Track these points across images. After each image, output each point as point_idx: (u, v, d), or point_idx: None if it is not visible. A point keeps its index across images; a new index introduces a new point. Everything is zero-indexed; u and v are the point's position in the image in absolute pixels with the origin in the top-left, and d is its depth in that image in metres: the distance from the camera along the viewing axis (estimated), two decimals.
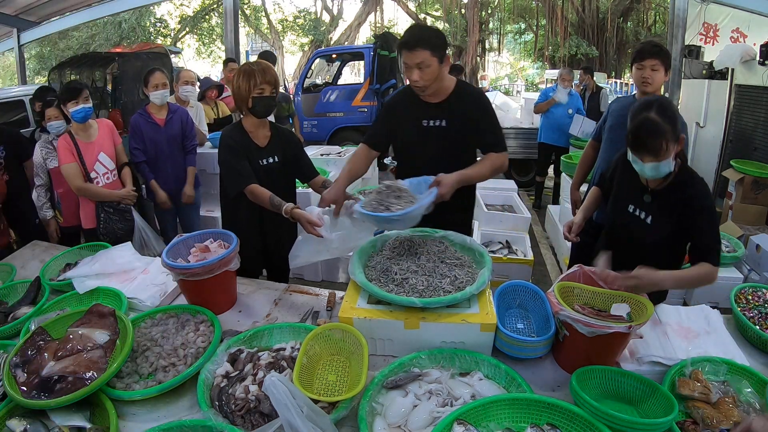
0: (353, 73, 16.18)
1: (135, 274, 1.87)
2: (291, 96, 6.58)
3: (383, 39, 7.11)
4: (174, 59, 9.11)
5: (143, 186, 3.06)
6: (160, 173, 3.00)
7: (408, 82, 1.89)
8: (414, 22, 18.51)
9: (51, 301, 1.69)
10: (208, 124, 3.92)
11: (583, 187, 2.66)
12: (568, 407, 1.11)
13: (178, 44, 17.97)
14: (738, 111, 4.66)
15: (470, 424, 1.08)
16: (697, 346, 1.41)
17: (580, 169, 2.70)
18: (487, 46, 19.41)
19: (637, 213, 1.67)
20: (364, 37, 19.23)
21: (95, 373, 1.21)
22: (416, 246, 1.70)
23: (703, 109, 5.06)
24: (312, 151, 4.23)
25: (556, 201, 5.27)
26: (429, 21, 19.51)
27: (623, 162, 1.72)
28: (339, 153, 4.31)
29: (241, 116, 2.05)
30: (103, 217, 2.65)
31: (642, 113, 1.44)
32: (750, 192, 3.70)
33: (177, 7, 18.02)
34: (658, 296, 1.65)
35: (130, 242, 2.13)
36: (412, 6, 18.94)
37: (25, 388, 1.17)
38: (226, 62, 5.06)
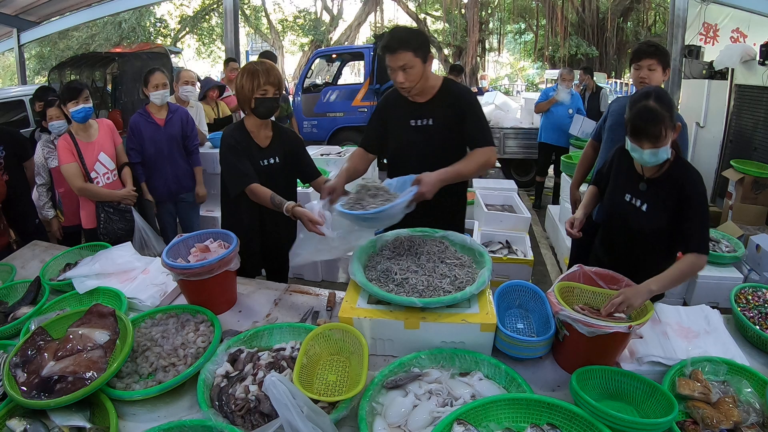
0: (353, 73, 16.19)
1: (135, 274, 1.87)
2: (290, 96, 6.58)
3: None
4: (174, 59, 9.11)
5: (143, 186, 3.06)
6: (159, 173, 2.99)
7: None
8: (414, 21, 18.53)
9: (51, 301, 1.69)
10: (209, 124, 3.92)
11: (583, 187, 2.66)
12: (568, 407, 1.11)
13: (178, 44, 17.99)
14: (738, 111, 4.66)
15: (470, 424, 1.08)
16: (697, 346, 1.41)
17: (579, 169, 2.70)
18: (487, 46, 19.42)
19: (633, 201, 1.71)
20: (364, 37, 19.25)
21: (95, 373, 1.21)
22: (416, 246, 1.70)
23: (703, 109, 5.06)
24: (312, 151, 4.22)
25: (556, 201, 5.27)
26: (429, 21, 19.53)
27: (619, 155, 1.80)
28: (339, 153, 4.32)
29: (243, 116, 2.05)
30: (104, 217, 2.66)
31: (641, 102, 1.49)
32: (750, 192, 3.70)
33: (177, 7, 18.04)
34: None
35: (130, 242, 2.14)
36: (412, 6, 18.94)
37: (25, 388, 1.17)
38: (227, 62, 5.06)
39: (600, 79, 11.25)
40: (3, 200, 2.52)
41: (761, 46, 4.26)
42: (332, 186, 1.80)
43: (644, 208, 1.66)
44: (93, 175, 2.63)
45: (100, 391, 1.20)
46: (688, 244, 1.52)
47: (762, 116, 4.31)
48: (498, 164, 5.91)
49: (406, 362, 1.32)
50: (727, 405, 1.19)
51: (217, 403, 1.20)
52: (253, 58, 4.94)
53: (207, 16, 18.30)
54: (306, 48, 19.51)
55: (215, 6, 17.51)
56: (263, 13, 19.58)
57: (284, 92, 5.95)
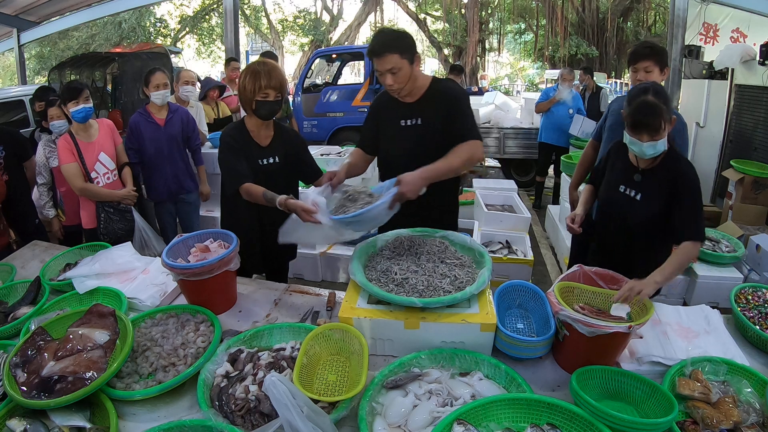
0: (353, 73, 16.21)
1: (135, 274, 1.87)
2: (290, 96, 6.58)
3: None
4: (174, 59, 9.11)
5: (143, 186, 3.06)
6: (159, 173, 3.00)
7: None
8: (414, 21, 18.54)
9: (51, 301, 1.69)
10: (209, 124, 3.92)
11: (582, 187, 2.66)
12: (568, 407, 1.11)
13: (178, 44, 17.99)
14: (738, 111, 4.66)
15: (470, 424, 1.08)
16: (697, 346, 1.41)
17: (579, 169, 2.70)
18: (487, 46, 19.42)
19: (627, 192, 1.76)
20: (364, 37, 19.24)
21: (95, 373, 1.21)
22: (416, 246, 1.70)
23: (703, 109, 5.06)
24: (312, 151, 4.19)
25: (556, 201, 5.27)
26: (429, 21, 19.52)
27: (616, 150, 1.86)
28: (339, 153, 4.32)
29: (243, 116, 2.05)
30: (104, 217, 2.66)
31: (640, 97, 1.56)
32: (750, 192, 3.70)
33: (177, 7, 18.05)
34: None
35: (130, 242, 2.13)
36: (412, 6, 18.94)
37: (25, 388, 1.17)
38: (228, 61, 5.06)
39: (600, 79, 11.26)
40: (3, 200, 2.52)
41: (761, 46, 4.26)
42: (333, 172, 1.81)
43: (638, 197, 1.71)
44: (93, 175, 2.63)
45: (100, 391, 1.20)
46: (684, 232, 1.56)
47: (762, 116, 4.31)
48: (498, 164, 5.91)
49: (406, 362, 1.32)
50: (727, 405, 1.19)
51: (217, 403, 1.20)
52: (253, 58, 4.93)
53: (207, 16, 18.30)
54: (306, 48, 19.52)
55: (215, 6, 17.51)
56: (263, 13, 19.59)
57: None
